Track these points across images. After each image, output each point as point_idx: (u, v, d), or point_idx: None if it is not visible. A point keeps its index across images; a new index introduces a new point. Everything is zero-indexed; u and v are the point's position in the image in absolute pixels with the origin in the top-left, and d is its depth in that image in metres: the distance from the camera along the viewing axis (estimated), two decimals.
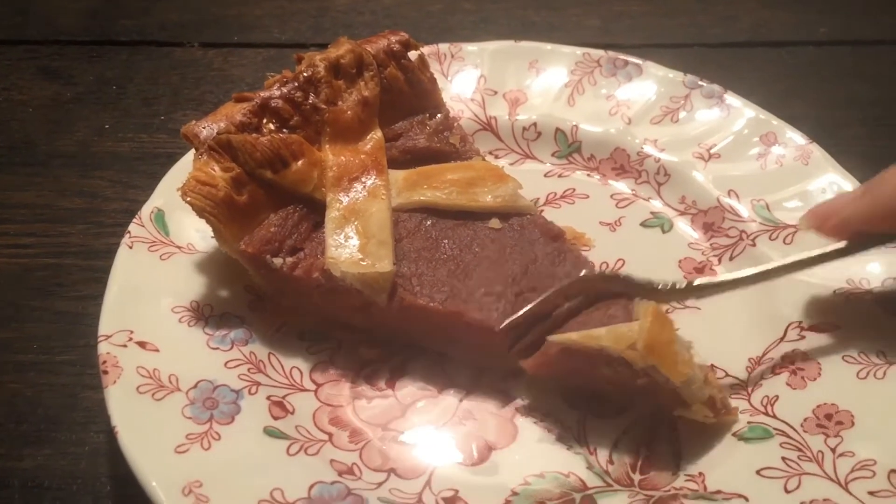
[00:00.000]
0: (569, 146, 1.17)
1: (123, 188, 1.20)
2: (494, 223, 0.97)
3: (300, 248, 0.93)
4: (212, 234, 0.93)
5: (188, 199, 0.89)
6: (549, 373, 0.90)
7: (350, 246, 0.91)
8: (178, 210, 1.00)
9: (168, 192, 1.03)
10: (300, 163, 0.95)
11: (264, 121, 0.97)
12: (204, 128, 0.95)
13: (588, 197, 1.13)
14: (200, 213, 0.90)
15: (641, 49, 1.34)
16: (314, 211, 0.95)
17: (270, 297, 0.97)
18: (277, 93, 0.98)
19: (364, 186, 0.96)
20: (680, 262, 1.04)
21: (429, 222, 0.97)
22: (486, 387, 0.93)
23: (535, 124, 1.18)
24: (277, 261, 0.91)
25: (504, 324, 0.87)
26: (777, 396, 0.87)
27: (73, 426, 0.93)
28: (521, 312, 0.88)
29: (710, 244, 1.06)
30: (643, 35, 1.48)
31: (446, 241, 0.95)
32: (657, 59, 1.22)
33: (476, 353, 0.94)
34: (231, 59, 1.44)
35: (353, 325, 0.96)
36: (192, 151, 0.97)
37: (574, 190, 1.13)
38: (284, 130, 0.97)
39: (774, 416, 0.86)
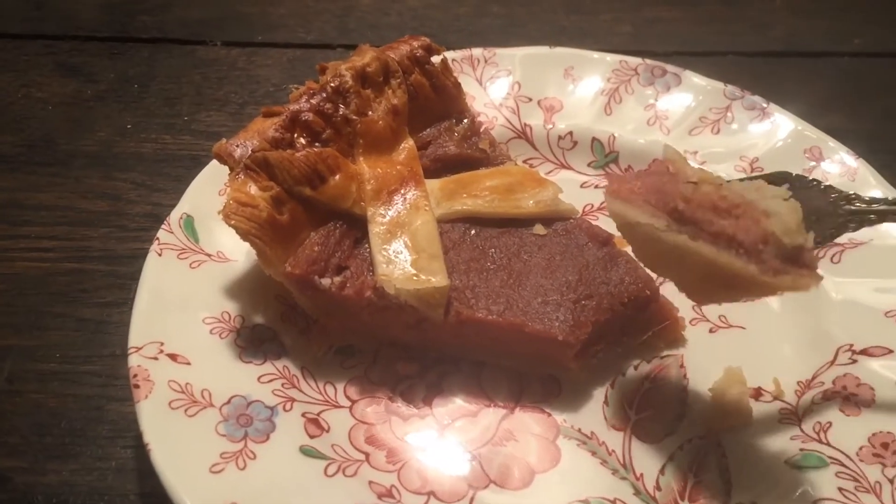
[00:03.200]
0: (605, 156, 1.14)
1: (147, 191, 1.16)
2: (539, 229, 0.94)
3: (345, 267, 0.90)
4: (255, 257, 0.89)
5: (232, 222, 0.85)
6: None
7: (401, 261, 0.88)
8: (208, 216, 0.97)
9: (196, 198, 1.00)
10: (337, 177, 0.91)
11: (296, 135, 0.93)
12: (237, 146, 0.91)
13: None
14: (245, 236, 0.86)
15: (674, 57, 1.32)
16: (354, 226, 0.92)
17: (316, 320, 0.93)
18: (306, 105, 0.94)
19: (405, 199, 0.93)
20: None
21: (472, 232, 0.94)
22: (526, 406, 0.90)
23: (570, 133, 1.15)
24: (325, 281, 0.88)
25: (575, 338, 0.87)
26: (830, 423, 0.85)
27: (98, 440, 0.89)
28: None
29: None
30: (676, 42, 1.45)
31: (493, 250, 0.93)
32: (690, 68, 1.20)
33: (530, 362, 0.91)
34: (255, 58, 1.40)
35: (402, 342, 0.93)
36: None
37: None
38: (317, 144, 0.93)
39: (829, 444, 0.83)
